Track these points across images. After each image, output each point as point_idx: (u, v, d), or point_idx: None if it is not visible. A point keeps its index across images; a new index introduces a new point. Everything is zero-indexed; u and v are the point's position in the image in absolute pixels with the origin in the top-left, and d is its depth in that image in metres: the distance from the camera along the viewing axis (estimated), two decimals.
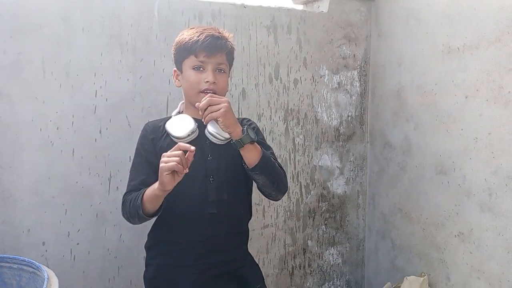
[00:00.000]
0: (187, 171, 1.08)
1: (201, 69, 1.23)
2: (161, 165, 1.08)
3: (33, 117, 1.49)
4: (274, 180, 1.24)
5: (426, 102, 1.78)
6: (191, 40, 1.22)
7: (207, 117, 1.14)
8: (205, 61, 1.22)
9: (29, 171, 1.50)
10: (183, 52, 1.25)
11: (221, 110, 1.13)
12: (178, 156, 1.07)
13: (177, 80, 1.31)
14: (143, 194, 1.17)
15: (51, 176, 1.52)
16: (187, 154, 1.08)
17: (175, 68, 1.31)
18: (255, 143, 1.18)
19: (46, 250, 1.53)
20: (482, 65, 1.52)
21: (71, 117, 1.54)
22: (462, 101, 1.61)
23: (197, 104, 1.17)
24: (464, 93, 1.60)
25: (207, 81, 1.21)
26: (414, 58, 1.84)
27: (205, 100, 1.14)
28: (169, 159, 1.07)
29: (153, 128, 1.31)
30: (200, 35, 1.22)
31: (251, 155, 1.18)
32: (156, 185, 1.13)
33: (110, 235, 1.62)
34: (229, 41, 1.27)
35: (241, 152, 1.18)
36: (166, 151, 1.11)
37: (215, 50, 1.22)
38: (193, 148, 1.08)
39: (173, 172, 1.07)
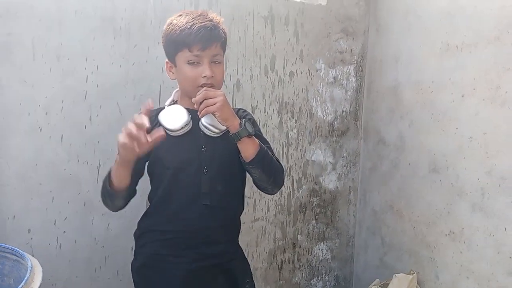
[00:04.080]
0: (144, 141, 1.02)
1: (197, 63, 1.18)
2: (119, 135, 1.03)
3: (21, 100, 1.45)
4: (271, 174, 1.22)
5: (422, 100, 1.76)
6: (183, 33, 1.16)
7: (203, 111, 1.12)
8: (200, 54, 1.17)
9: (17, 157, 1.45)
10: (175, 45, 1.19)
11: (217, 104, 1.11)
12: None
13: (171, 73, 1.27)
14: (111, 168, 1.15)
15: (38, 162, 1.49)
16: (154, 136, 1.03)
17: (167, 60, 1.26)
18: (253, 136, 1.16)
19: (32, 238, 1.50)
20: (480, 64, 1.51)
21: (60, 102, 1.50)
22: (459, 99, 1.60)
23: (193, 99, 1.14)
24: (460, 91, 1.59)
25: (205, 76, 1.17)
26: (412, 55, 1.82)
27: (200, 94, 1.12)
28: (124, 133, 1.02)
29: None
30: (192, 26, 1.15)
31: (248, 149, 1.16)
32: None
33: (97, 224, 1.59)
34: (222, 28, 1.21)
35: (238, 145, 1.16)
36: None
37: (209, 42, 1.16)
38: (147, 125, 1.02)
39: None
